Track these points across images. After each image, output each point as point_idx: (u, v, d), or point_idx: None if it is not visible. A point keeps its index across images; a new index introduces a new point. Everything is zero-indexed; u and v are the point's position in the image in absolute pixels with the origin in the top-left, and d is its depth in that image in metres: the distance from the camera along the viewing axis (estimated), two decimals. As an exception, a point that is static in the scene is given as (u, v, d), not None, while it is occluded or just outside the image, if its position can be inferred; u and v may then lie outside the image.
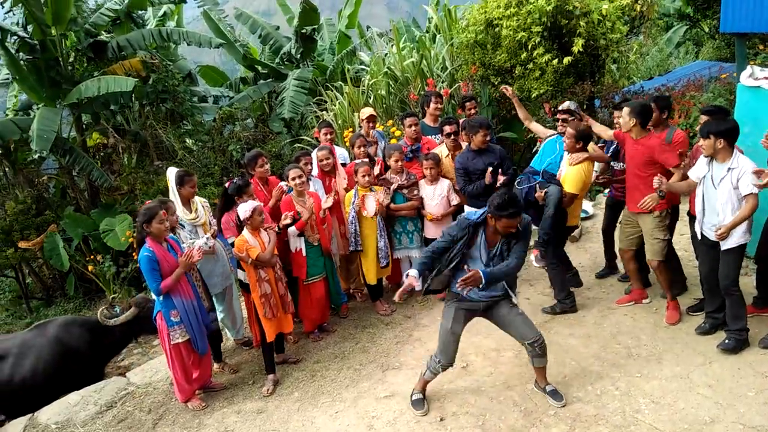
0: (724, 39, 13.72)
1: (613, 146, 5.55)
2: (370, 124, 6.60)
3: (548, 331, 5.20)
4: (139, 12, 11.92)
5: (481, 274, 3.71)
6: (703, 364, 4.40)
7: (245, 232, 4.81)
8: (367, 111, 6.69)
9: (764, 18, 5.97)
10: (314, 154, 6.00)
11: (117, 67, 10.18)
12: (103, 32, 11.14)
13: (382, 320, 5.84)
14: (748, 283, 5.26)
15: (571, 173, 5.09)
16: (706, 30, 14.29)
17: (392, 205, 5.78)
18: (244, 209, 4.75)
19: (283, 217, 5.16)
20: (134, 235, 5.30)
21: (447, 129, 5.93)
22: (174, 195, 5.12)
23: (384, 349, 5.30)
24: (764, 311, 4.91)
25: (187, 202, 5.15)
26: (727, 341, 4.49)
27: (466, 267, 3.83)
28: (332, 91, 10.24)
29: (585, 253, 6.73)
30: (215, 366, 5.39)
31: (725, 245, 4.34)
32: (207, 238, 4.92)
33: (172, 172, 5.22)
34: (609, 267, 6.13)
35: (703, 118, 4.79)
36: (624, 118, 4.86)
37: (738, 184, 4.16)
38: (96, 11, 10.93)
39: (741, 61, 6.65)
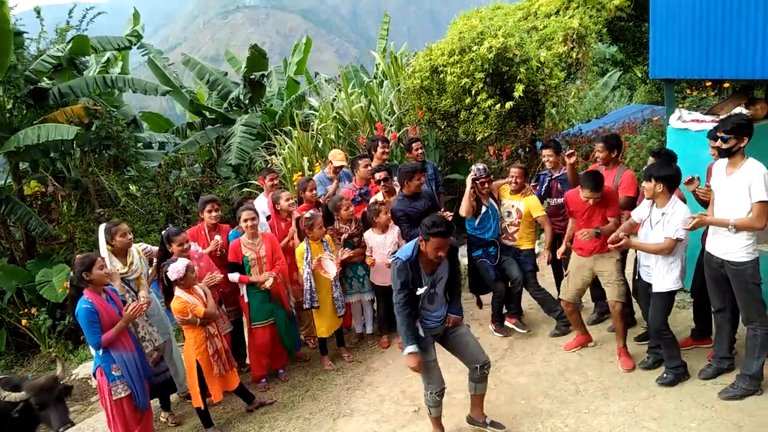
0: (654, 84, 14.54)
1: (546, 183, 5.78)
2: (339, 167, 6.57)
3: (498, 370, 5.21)
4: (82, 59, 11.71)
5: (457, 315, 4.19)
6: (647, 397, 4.48)
7: (180, 293, 4.57)
8: (339, 155, 6.59)
9: (687, 66, 6.35)
10: (276, 196, 5.91)
11: (58, 113, 9.90)
12: (44, 79, 10.89)
13: (333, 366, 5.72)
14: (686, 316, 5.44)
15: (530, 201, 5.61)
16: (639, 75, 15.11)
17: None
18: (175, 269, 4.49)
19: (207, 278, 4.99)
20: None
21: (377, 176, 5.91)
22: (104, 251, 4.85)
23: (335, 396, 5.19)
24: (703, 343, 5.07)
25: (123, 254, 4.91)
26: (665, 375, 4.62)
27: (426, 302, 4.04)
28: (281, 135, 10.27)
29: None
30: (162, 415, 5.17)
31: (655, 288, 4.50)
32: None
33: (102, 228, 4.96)
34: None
35: (651, 160, 5.03)
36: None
37: (665, 227, 4.35)
38: (37, 58, 10.71)
39: (669, 104, 7.01)
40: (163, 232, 5.07)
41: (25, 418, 4.84)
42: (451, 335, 4.20)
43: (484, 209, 5.61)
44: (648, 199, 4.50)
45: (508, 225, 5.73)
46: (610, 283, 4.95)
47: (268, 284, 5.20)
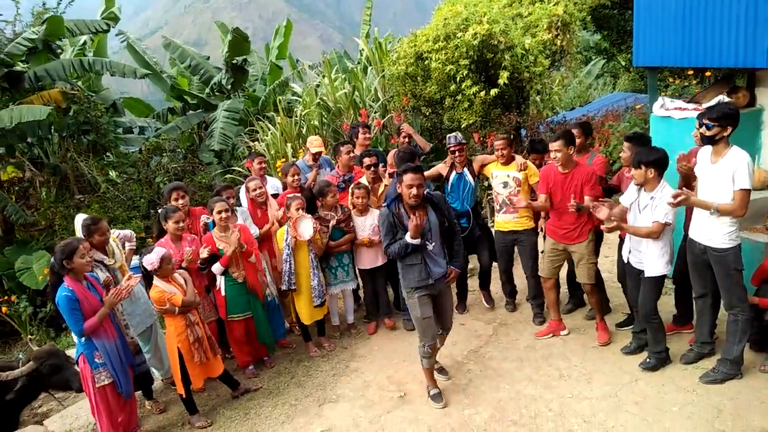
0: (638, 72, 14.62)
1: None
2: (317, 154, 6.57)
3: (483, 356, 5.26)
4: (58, 42, 11.43)
5: (455, 268, 4.48)
6: (630, 382, 4.55)
7: (158, 281, 4.52)
8: (315, 141, 6.61)
9: (670, 53, 6.40)
10: (245, 184, 5.90)
11: (34, 97, 9.69)
12: (18, 62, 10.62)
13: (318, 352, 5.71)
14: (668, 302, 5.51)
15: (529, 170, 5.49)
16: (622, 63, 15.18)
17: (332, 243, 5.60)
18: (149, 261, 4.44)
19: (200, 251, 5.00)
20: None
21: (366, 161, 5.87)
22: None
23: (320, 382, 5.19)
24: (684, 328, 5.15)
25: (102, 246, 4.77)
26: (648, 360, 4.70)
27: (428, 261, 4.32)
28: (264, 121, 10.17)
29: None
30: (147, 404, 5.15)
31: (647, 273, 4.53)
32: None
33: (78, 221, 4.83)
34: None
35: (626, 145, 5.01)
36: (561, 150, 4.88)
37: (654, 211, 4.38)
38: (12, 41, 10.44)
39: (653, 92, 7.07)
40: (160, 210, 5.03)
41: (17, 398, 4.69)
42: (442, 299, 4.52)
43: (455, 175, 5.75)
44: (637, 185, 4.51)
45: (510, 195, 5.55)
46: (581, 264, 5.11)
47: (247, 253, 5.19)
